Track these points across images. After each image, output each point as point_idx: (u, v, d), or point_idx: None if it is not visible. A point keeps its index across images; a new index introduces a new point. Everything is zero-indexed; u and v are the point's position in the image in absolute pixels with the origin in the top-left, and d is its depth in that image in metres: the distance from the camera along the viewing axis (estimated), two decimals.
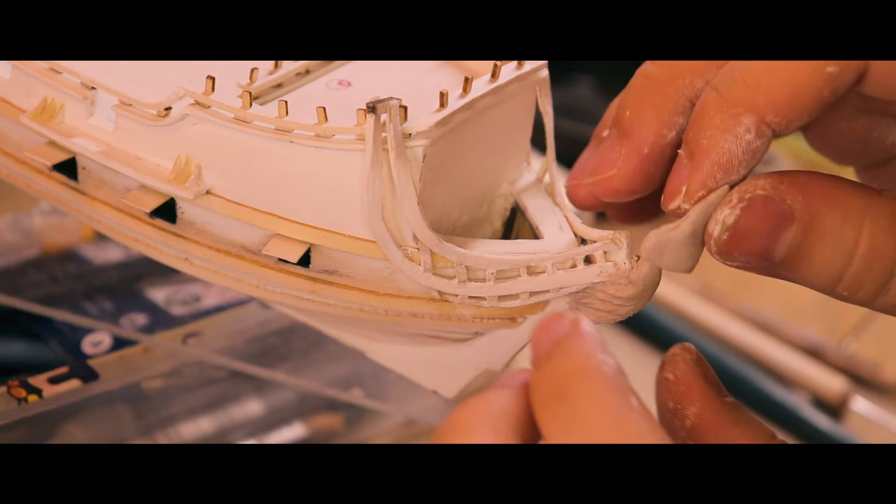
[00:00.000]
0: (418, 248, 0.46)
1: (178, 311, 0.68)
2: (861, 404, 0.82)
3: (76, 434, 0.63)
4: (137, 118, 0.49)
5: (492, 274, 0.47)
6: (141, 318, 0.67)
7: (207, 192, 0.48)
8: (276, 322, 0.67)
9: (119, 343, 0.65)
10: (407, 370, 0.53)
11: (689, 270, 0.45)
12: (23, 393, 0.60)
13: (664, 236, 0.44)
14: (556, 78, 1.02)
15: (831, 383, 0.82)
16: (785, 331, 0.87)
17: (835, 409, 0.81)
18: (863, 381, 0.85)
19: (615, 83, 1.03)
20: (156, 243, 0.50)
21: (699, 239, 0.44)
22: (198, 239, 0.49)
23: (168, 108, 0.48)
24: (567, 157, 0.81)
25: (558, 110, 0.96)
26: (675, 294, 0.88)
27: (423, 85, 0.50)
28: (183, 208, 0.49)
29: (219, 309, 0.68)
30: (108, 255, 0.70)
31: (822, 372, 0.83)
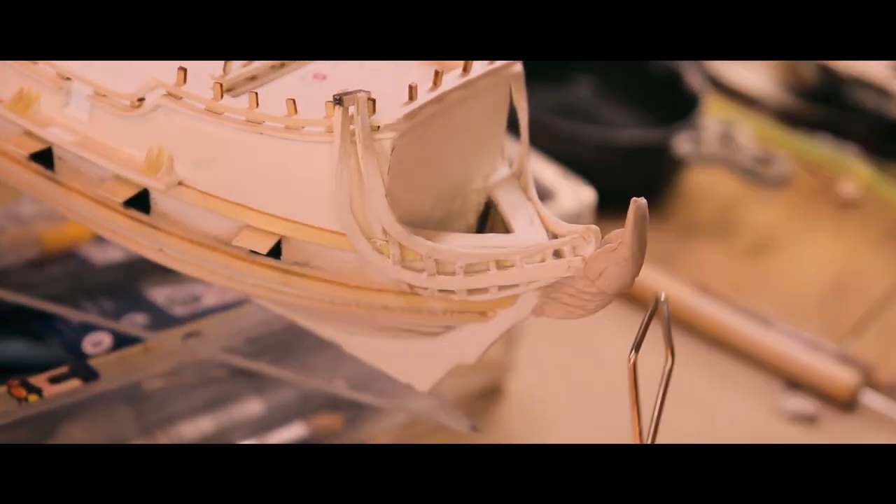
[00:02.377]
0: (387, 241, 0.46)
1: (178, 310, 0.68)
2: (872, 398, 0.81)
3: (77, 433, 0.63)
4: (111, 109, 0.49)
5: (461, 267, 0.47)
6: (141, 318, 0.67)
7: (179, 184, 0.48)
8: (276, 321, 0.67)
9: (119, 342, 0.65)
10: (382, 363, 0.53)
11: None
12: (23, 392, 0.60)
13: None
14: (556, 78, 1.02)
15: (841, 377, 0.81)
16: (784, 330, 0.86)
17: (846, 404, 0.81)
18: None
19: (615, 83, 1.03)
20: (131, 234, 0.50)
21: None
22: (171, 230, 0.49)
23: (141, 99, 0.49)
24: (567, 157, 0.81)
25: (558, 110, 0.96)
26: (676, 293, 0.87)
27: (398, 79, 0.49)
28: (156, 199, 0.49)
29: (219, 308, 0.68)
30: (108, 255, 0.70)
31: (832, 366, 0.82)
